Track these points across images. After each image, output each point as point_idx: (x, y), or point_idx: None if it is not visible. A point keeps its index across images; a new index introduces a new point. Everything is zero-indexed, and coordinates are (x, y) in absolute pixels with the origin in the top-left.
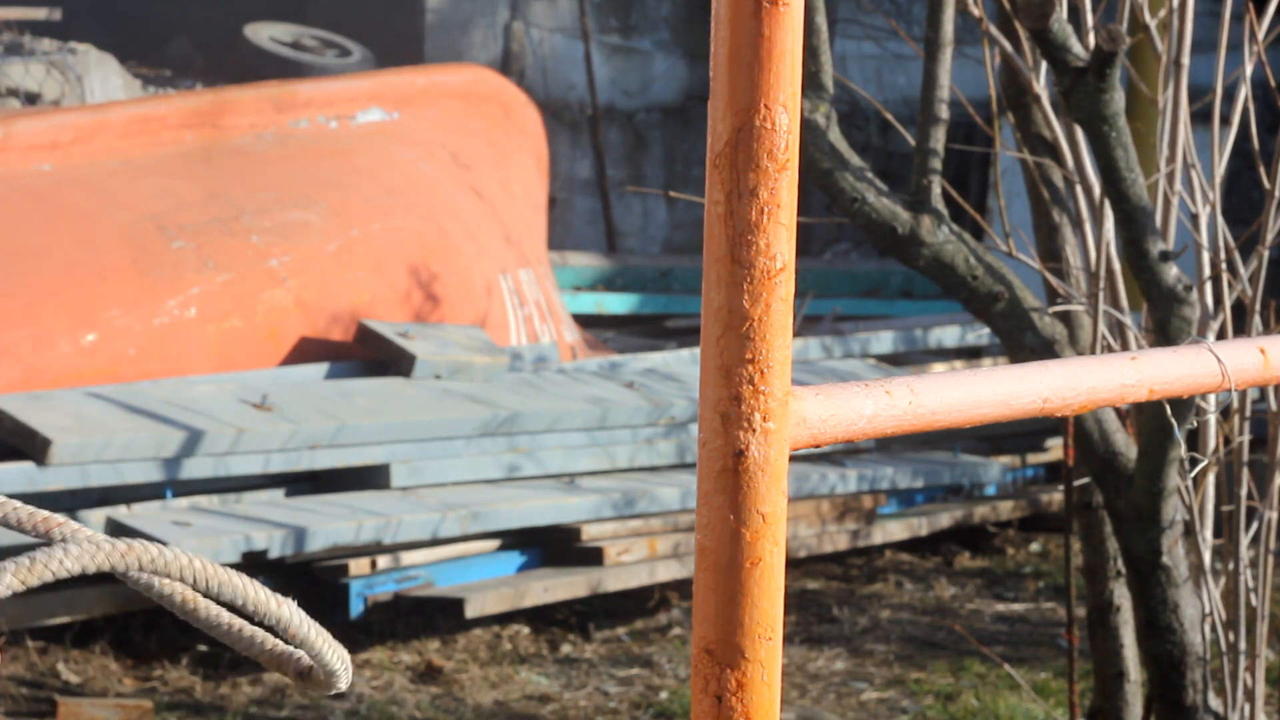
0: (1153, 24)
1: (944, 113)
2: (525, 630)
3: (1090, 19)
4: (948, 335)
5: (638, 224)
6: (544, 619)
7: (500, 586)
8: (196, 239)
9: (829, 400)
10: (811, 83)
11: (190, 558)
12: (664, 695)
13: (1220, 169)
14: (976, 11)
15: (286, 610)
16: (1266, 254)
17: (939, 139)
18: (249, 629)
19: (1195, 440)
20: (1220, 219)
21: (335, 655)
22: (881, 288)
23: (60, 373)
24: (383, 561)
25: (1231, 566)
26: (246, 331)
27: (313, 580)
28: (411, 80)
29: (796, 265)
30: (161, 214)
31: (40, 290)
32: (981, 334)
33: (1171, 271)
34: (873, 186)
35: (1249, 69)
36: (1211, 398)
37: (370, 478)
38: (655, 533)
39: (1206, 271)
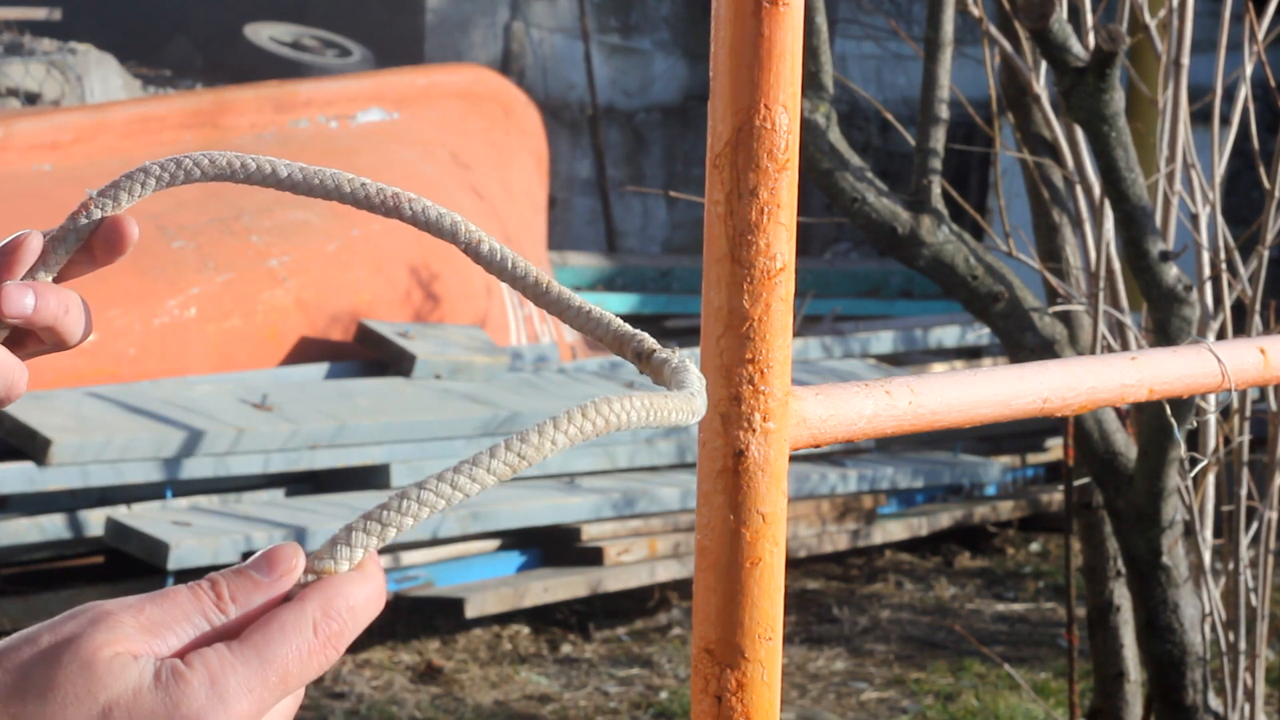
0: (1153, 24)
1: (944, 113)
2: (525, 630)
3: (1090, 19)
4: (948, 335)
5: (638, 224)
6: (544, 619)
7: (500, 586)
8: (196, 239)
9: (829, 400)
10: (811, 83)
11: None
12: (664, 695)
13: (1220, 169)
14: (976, 11)
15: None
16: (1266, 254)
17: (939, 139)
18: (599, 312)
19: (1195, 440)
20: (1220, 219)
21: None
22: (881, 288)
23: (60, 373)
24: (383, 561)
25: (1231, 566)
26: (246, 331)
27: None
28: (411, 80)
29: (796, 265)
30: (161, 214)
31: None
32: (981, 334)
33: (1171, 271)
34: (873, 186)
35: (1249, 69)
36: (1211, 398)
37: (370, 478)
38: (655, 533)
39: (1206, 271)
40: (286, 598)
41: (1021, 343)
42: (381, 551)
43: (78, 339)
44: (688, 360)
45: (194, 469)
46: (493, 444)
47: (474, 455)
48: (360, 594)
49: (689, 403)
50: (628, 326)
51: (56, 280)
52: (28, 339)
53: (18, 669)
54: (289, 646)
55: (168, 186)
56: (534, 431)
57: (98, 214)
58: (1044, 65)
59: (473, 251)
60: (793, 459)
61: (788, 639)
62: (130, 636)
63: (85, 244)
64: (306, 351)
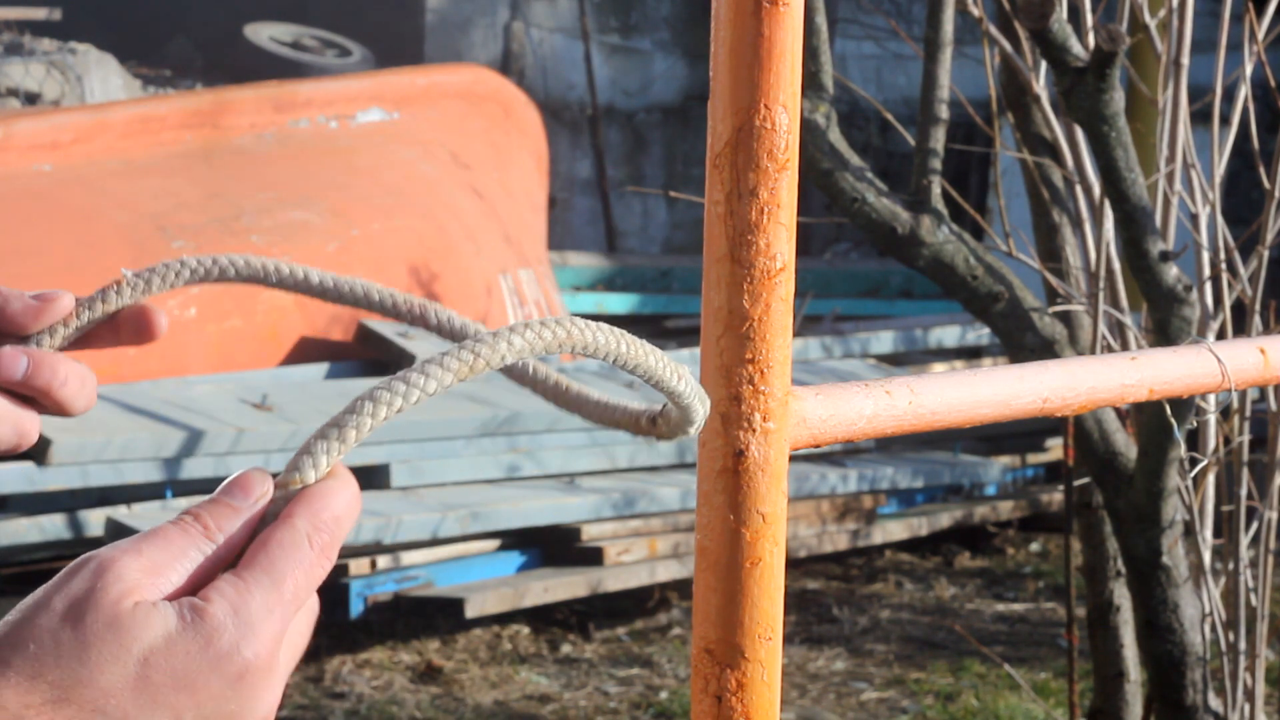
0: (1153, 24)
1: (944, 113)
2: (525, 630)
3: (1090, 19)
4: (948, 335)
5: (638, 224)
6: (544, 619)
7: (500, 586)
8: (196, 239)
9: (829, 400)
10: (811, 83)
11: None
12: (664, 695)
13: (1220, 169)
14: (976, 11)
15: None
16: (1266, 254)
17: (939, 139)
18: (580, 389)
19: (1195, 440)
20: (1220, 219)
21: (693, 392)
22: (881, 288)
23: None
24: (383, 561)
25: (1231, 566)
26: (246, 331)
27: None
28: (411, 80)
29: (796, 265)
30: (161, 214)
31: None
32: (981, 334)
33: (1171, 271)
34: (873, 186)
35: (1249, 69)
36: (1211, 398)
37: (370, 478)
38: (655, 533)
39: (1206, 271)
40: (263, 520)
41: (1021, 343)
42: (382, 551)
43: (77, 410)
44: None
45: (194, 469)
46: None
47: (431, 355)
48: (341, 502)
49: (677, 368)
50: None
51: (82, 344)
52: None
53: (45, 636)
54: (292, 562)
55: (201, 281)
56: (491, 335)
57: (128, 292)
58: (1044, 65)
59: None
60: (793, 459)
61: (788, 639)
62: (140, 583)
63: (113, 321)
64: (306, 351)
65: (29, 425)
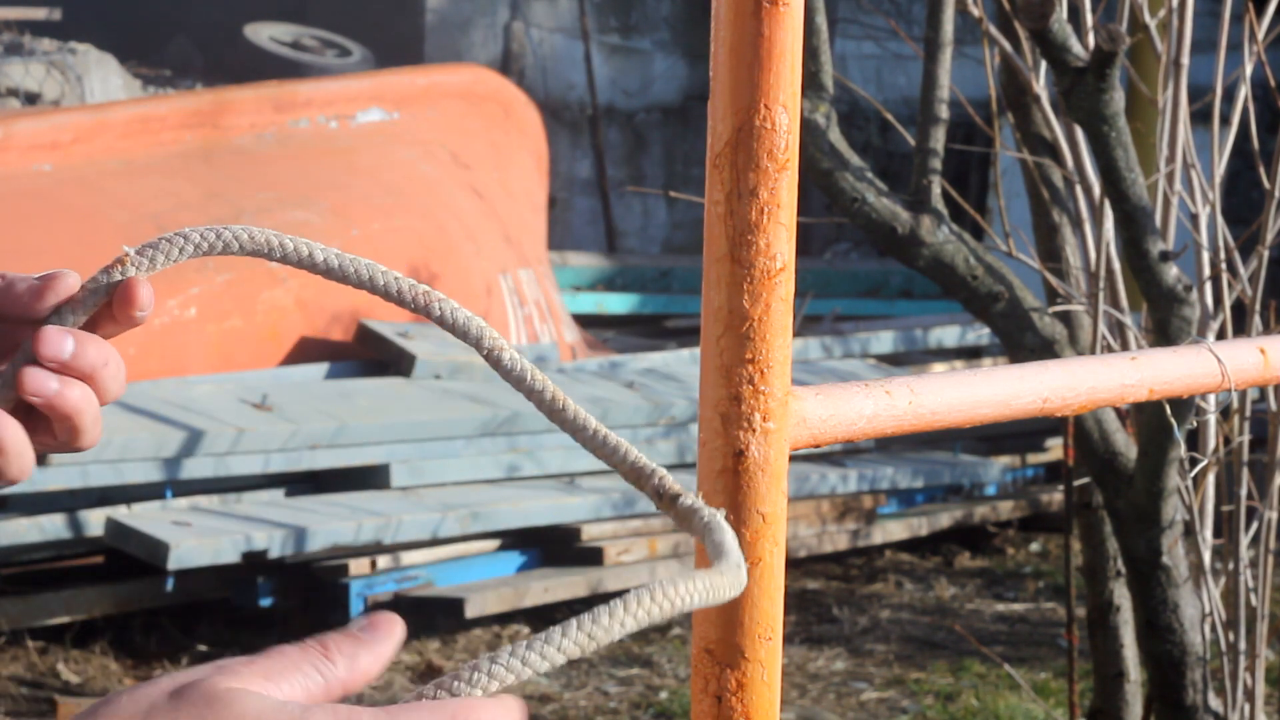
0: (1153, 24)
1: (944, 113)
2: (525, 630)
3: (1090, 19)
4: (948, 335)
5: (638, 224)
6: (544, 619)
7: (500, 586)
8: None
9: (829, 400)
10: (811, 83)
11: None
12: (664, 695)
13: (1220, 169)
14: (976, 11)
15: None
16: (1266, 254)
17: (939, 139)
18: (616, 441)
19: (1195, 440)
20: (1220, 219)
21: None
22: (881, 288)
23: None
24: (383, 561)
25: (1231, 566)
26: (246, 331)
27: (313, 580)
28: (411, 80)
29: (796, 265)
30: (161, 214)
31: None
32: (981, 334)
33: (1171, 271)
34: (873, 186)
35: (1249, 69)
36: (1211, 398)
37: (370, 478)
38: (655, 533)
39: (1206, 271)
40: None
41: (1021, 343)
42: (382, 551)
43: (111, 395)
44: (719, 516)
45: (194, 469)
46: (561, 626)
47: (551, 631)
48: (497, 714)
49: (738, 574)
50: (645, 460)
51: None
52: (39, 422)
53: (143, 701)
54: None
55: (206, 255)
56: (607, 614)
57: (132, 271)
58: (1044, 65)
59: (493, 360)
60: (793, 459)
61: (788, 639)
62: (249, 679)
63: (109, 303)
64: (306, 351)
65: (32, 462)
